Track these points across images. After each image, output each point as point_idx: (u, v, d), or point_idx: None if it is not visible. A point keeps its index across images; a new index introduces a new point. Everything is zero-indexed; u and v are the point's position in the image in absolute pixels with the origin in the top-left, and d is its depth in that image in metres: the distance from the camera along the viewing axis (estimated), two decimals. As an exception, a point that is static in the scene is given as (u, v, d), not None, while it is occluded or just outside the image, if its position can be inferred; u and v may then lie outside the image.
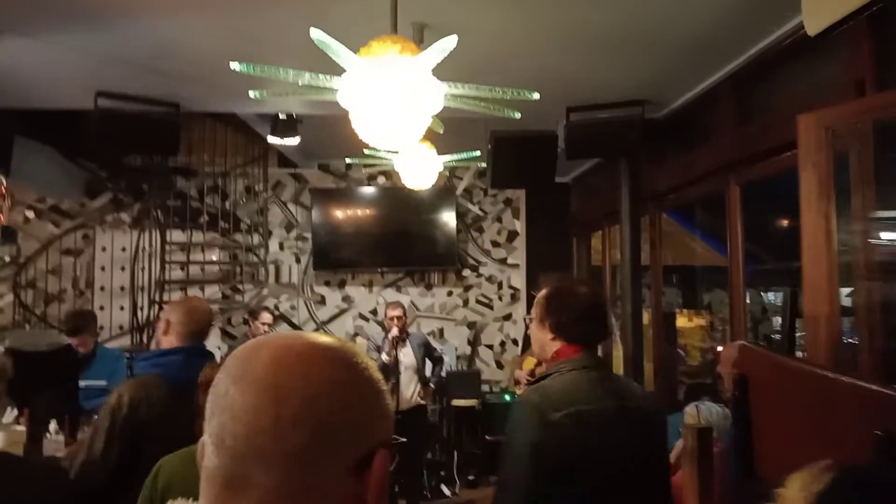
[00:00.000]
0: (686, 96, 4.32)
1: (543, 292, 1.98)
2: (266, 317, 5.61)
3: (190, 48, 3.61)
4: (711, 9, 3.11)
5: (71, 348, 3.23)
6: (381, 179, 7.11)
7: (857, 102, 2.65)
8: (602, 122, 4.36)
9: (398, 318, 5.01)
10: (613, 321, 1.98)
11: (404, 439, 0.77)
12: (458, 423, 6.19)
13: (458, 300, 7.07)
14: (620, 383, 1.93)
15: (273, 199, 7.04)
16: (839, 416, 1.63)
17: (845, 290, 2.66)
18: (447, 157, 4.10)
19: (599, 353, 1.98)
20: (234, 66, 2.44)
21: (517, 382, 5.11)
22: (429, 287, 7.08)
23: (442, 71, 2.34)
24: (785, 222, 6.03)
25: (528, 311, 2.24)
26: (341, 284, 7.04)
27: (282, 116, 5.28)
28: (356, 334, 6.95)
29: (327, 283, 7.03)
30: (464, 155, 4.18)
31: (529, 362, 4.70)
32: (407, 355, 5.07)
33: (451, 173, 6.94)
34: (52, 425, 3.03)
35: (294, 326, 6.89)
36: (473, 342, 7.04)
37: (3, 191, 5.41)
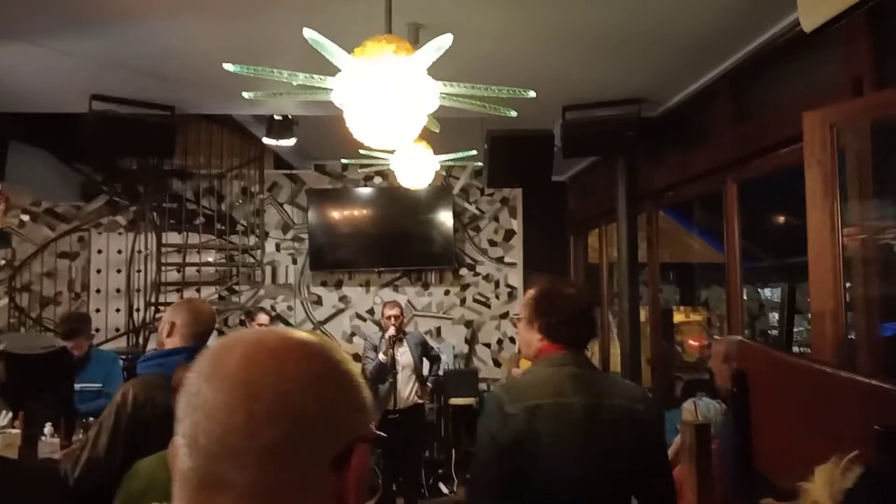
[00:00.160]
0: (682, 94, 4.32)
1: (532, 293, 1.98)
2: (263, 318, 5.59)
3: (185, 51, 3.60)
4: (710, 8, 3.11)
5: (66, 351, 3.21)
6: (378, 180, 7.10)
7: (862, 100, 2.64)
8: (598, 121, 4.35)
9: (395, 317, 5.01)
10: (599, 322, 2.00)
11: (384, 434, 0.75)
12: (456, 421, 6.19)
13: (456, 299, 7.07)
14: (602, 380, 1.92)
15: (269, 200, 7.03)
16: (838, 411, 1.63)
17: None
18: (444, 157, 4.10)
19: (589, 353, 1.99)
20: (229, 67, 2.44)
21: (515, 381, 5.11)
22: (426, 286, 7.07)
23: (437, 71, 2.34)
24: (782, 219, 6.03)
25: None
26: (338, 285, 7.04)
27: (277, 118, 5.27)
28: (353, 334, 6.95)
29: (324, 284, 7.03)
30: (460, 154, 4.18)
31: (526, 360, 4.70)
32: (404, 355, 5.07)
33: (448, 173, 6.95)
34: (47, 428, 3.01)
35: (291, 327, 6.87)
36: (471, 341, 7.03)
37: (-2, 194, 5.40)
